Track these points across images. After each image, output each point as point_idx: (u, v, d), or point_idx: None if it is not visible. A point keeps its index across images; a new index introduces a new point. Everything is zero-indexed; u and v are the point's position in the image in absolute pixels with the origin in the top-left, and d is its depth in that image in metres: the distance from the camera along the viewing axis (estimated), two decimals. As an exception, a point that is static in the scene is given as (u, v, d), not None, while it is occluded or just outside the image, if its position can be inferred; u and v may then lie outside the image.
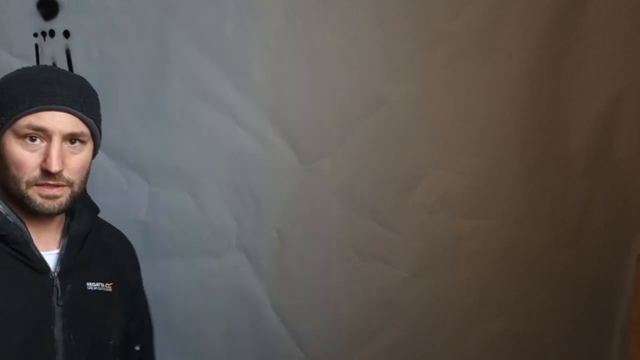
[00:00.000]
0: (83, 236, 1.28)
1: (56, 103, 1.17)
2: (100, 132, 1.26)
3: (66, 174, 1.19)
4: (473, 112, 1.52)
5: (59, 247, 1.26)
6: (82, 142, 1.21)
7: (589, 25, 1.46)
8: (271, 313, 1.60)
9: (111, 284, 1.30)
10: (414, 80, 1.52)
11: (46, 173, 1.17)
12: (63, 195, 1.20)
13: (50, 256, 1.24)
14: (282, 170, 1.56)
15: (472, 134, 1.53)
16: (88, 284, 1.27)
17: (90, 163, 1.25)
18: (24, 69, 1.24)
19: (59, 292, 1.22)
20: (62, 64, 1.54)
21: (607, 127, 1.49)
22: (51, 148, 1.17)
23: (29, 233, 1.22)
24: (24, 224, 1.21)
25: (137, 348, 1.39)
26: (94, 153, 1.27)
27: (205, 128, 1.57)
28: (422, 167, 1.56)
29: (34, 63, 1.54)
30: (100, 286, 1.28)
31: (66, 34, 1.53)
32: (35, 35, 1.53)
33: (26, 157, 1.17)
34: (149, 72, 1.55)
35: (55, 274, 1.22)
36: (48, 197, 1.18)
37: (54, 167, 1.16)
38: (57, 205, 1.19)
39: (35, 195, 1.18)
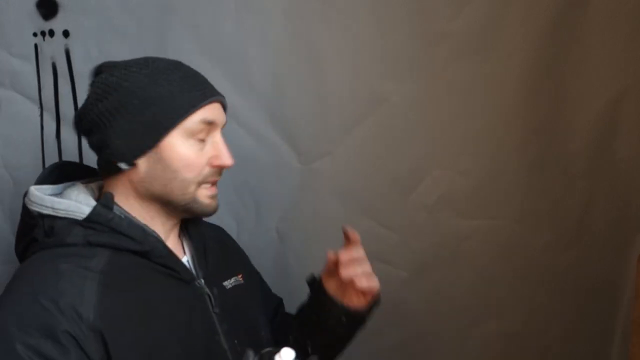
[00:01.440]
0: (202, 236, 1.21)
1: (215, 94, 1.13)
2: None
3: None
4: (473, 112, 1.52)
5: (185, 253, 1.18)
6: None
7: (589, 25, 1.46)
8: (271, 313, 1.60)
9: (240, 274, 1.24)
10: (414, 80, 1.52)
11: (217, 169, 1.11)
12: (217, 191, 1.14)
13: (187, 264, 1.17)
14: (282, 170, 1.56)
15: (472, 134, 1.53)
16: (224, 282, 1.20)
17: None
18: (146, 66, 1.10)
19: (212, 299, 1.14)
20: (62, 64, 1.54)
21: (607, 127, 1.50)
22: (220, 142, 1.11)
23: (165, 243, 1.12)
24: (157, 234, 1.12)
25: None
26: None
27: (205, 128, 1.57)
28: (422, 167, 1.56)
29: (34, 63, 1.54)
30: (235, 281, 1.22)
31: (66, 33, 1.53)
32: (35, 35, 1.53)
33: (197, 155, 1.09)
34: (149, 72, 1.55)
35: (202, 280, 1.15)
36: (214, 197, 1.13)
37: (229, 160, 1.11)
38: (217, 204, 1.14)
39: (203, 197, 1.11)
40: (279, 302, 1.39)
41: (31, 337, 0.96)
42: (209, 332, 1.12)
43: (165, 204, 1.12)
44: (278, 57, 1.53)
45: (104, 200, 1.09)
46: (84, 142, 1.57)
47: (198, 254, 1.18)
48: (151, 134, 1.08)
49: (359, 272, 1.18)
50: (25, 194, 1.14)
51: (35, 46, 1.54)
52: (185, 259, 1.18)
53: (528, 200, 1.54)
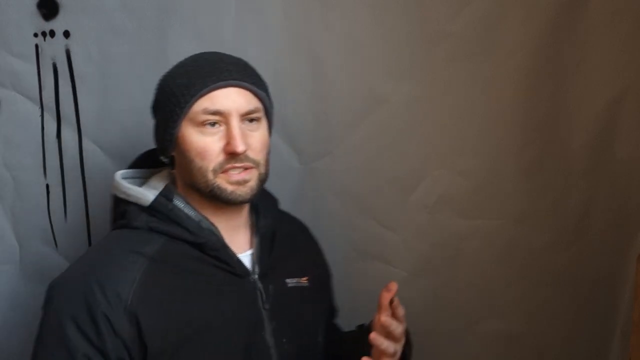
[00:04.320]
0: (272, 231, 1.22)
1: (226, 79, 1.12)
2: (272, 108, 1.21)
3: (250, 154, 1.13)
4: (473, 112, 1.52)
5: (251, 247, 1.20)
6: (258, 119, 1.16)
7: (589, 25, 1.45)
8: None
9: (307, 277, 1.24)
10: (414, 80, 1.52)
11: (231, 156, 1.11)
12: (251, 178, 1.14)
13: (246, 257, 1.19)
14: (282, 170, 1.56)
15: (472, 134, 1.53)
16: (287, 280, 1.21)
17: (269, 142, 1.20)
18: (181, 61, 1.18)
19: (263, 295, 1.16)
20: (62, 64, 1.54)
21: (607, 127, 1.49)
22: (232, 129, 1.11)
23: (221, 236, 1.15)
24: (216, 227, 1.15)
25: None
26: (270, 134, 1.21)
27: (205, 128, 1.57)
28: (422, 167, 1.56)
29: (34, 63, 1.54)
30: (297, 282, 1.22)
31: (66, 34, 1.53)
32: (35, 35, 1.53)
33: (208, 143, 1.11)
34: (149, 72, 1.55)
35: (256, 276, 1.17)
36: (238, 183, 1.13)
37: (240, 147, 1.10)
38: (248, 191, 1.13)
39: (225, 183, 1.12)
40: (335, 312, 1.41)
41: (75, 313, 1.06)
42: (255, 327, 1.15)
43: (201, 193, 1.15)
44: (278, 57, 1.53)
45: (164, 192, 1.16)
46: (84, 142, 1.58)
47: (262, 249, 1.20)
48: (168, 128, 1.15)
49: (387, 347, 1.15)
50: None
51: (36, 46, 1.54)
52: (250, 252, 1.20)
53: (528, 200, 1.54)
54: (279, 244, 1.23)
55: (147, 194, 1.16)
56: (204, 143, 1.12)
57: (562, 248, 1.55)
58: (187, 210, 1.15)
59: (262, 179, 1.17)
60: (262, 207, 1.24)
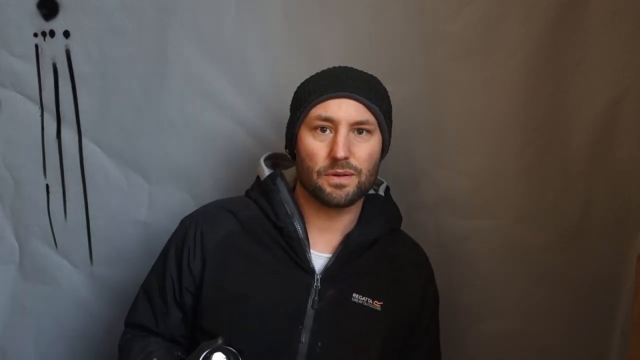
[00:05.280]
0: (362, 247, 1.28)
1: (341, 90, 1.22)
2: (389, 127, 1.30)
3: (353, 162, 1.22)
4: (473, 112, 1.52)
5: (334, 251, 1.27)
6: (369, 131, 1.24)
7: (589, 25, 1.45)
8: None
9: (381, 302, 1.27)
10: (414, 80, 1.52)
11: (334, 161, 1.21)
12: (350, 184, 1.22)
13: (322, 259, 1.27)
14: (282, 170, 1.56)
15: (472, 134, 1.53)
16: (354, 295, 1.26)
17: (379, 158, 1.28)
18: (321, 70, 1.30)
19: (317, 296, 1.23)
20: (62, 64, 1.54)
21: (607, 127, 1.49)
22: (337, 136, 1.21)
23: (305, 231, 1.26)
24: (303, 221, 1.26)
25: None
26: (384, 150, 1.30)
27: (205, 128, 1.57)
28: (422, 167, 1.56)
29: (34, 63, 1.54)
30: (366, 301, 1.26)
31: (66, 34, 1.53)
32: (35, 35, 1.53)
33: (317, 147, 1.22)
34: (149, 72, 1.55)
35: (319, 277, 1.25)
36: (336, 186, 1.22)
37: (340, 152, 1.19)
38: (344, 195, 1.22)
39: (325, 184, 1.22)
40: None
41: (178, 240, 1.31)
42: (295, 320, 1.23)
43: (307, 190, 1.26)
44: (278, 57, 1.53)
45: (272, 174, 1.30)
46: (84, 142, 1.58)
47: (340, 257, 1.26)
48: (291, 128, 1.29)
49: None
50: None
51: (36, 46, 1.54)
52: (329, 255, 1.27)
53: (528, 200, 1.54)
54: (370, 261, 1.28)
55: (266, 173, 1.31)
56: (314, 146, 1.23)
57: (562, 248, 1.55)
58: (283, 196, 1.28)
59: (362, 188, 1.24)
60: (367, 221, 1.29)
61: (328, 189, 1.22)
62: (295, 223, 1.26)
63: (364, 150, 1.23)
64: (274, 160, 1.38)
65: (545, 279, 1.56)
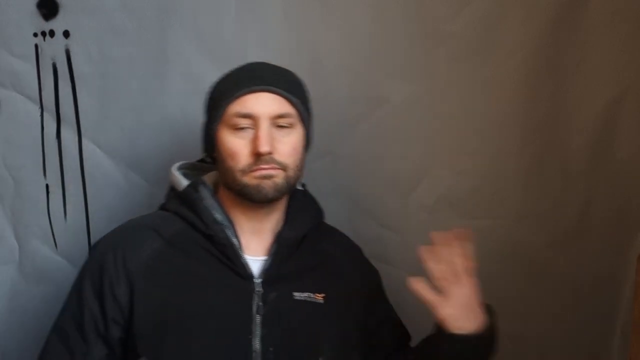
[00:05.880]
0: (294, 244, 1.24)
1: (258, 84, 1.18)
2: (309, 119, 1.25)
3: (277, 157, 1.17)
4: (473, 112, 1.52)
5: (268, 253, 1.22)
6: (291, 124, 1.20)
7: (589, 25, 1.46)
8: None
9: (323, 295, 1.23)
10: (414, 80, 1.52)
11: (257, 157, 1.16)
12: (277, 176, 1.18)
13: (257, 262, 1.21)
14: (282, 170, 1.56)
15: (472, 134, 1.53)
16: (295, 293, 1.22)
17: (303, 151, 1.23)
18: (232, 69, 1.25)
19: (260, 301, 1.18)
20: (62, 64, 1.54)
21: (607, 127, 1.49)
22: (259, 131, 1.16)
23: (236, 236, 1.19)
24: (233, 227, 1.21)
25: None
26: (308, 143, 1.26)
27: (205, 128, 1.57)
28: (422, 167, 1.56)
29: (34, 63, 1.54)
30: (309, 296, 1.22)
31: (66, 34, 1.53)
32: (35, 35, 1.53)
33: (238, 145, 1.18)
34: (149, 72, 1.55)
35: (259, 281, 1.19)
36: (263, 177, 1.17)
37: (263, 147, 1.15)
38: (272, 185, 1.17)
39: (251, 179, 1.17)
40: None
41: (92, 270, 1.21)
42: (243, 329, 1.17)
43: (233, 192, 1.20)
44: (278, 57, 1.53)
45: (193, 182, 1.24)
46: (84, 142, 1.58)
47: (275, 257, 1.22)
48: (208, 130, 1.23)
49: (442, 271, 1.20)
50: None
51: (36, 46, 1.54)
52: (264, 258, 1.22)
53: (528, 200, 1.54)
54: (303, 257, 1.25)
55: (183, 182, 1.25)
56: (235, 144, 1.18)
57: (562, 248, 1.55)
58: (208, 203, 1.21)
59: (290, 182, 1.20)
60: (293, 218, 1.26)
61: (254, 182, 1.17)
62: (225, 229, 1.20)
63: (287, 144, 1.19)
64: (184, 171, 1.30)
65: (545, 279, 1.56)
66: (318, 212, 1.32)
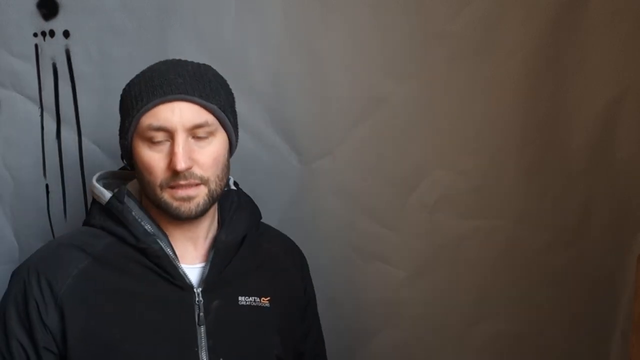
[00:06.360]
0: (233, 247, 1.17)
1: (170, 93, 1.08)
2: (232, 120, 1.17)
3: (198, 171, 1.10)
4: (473, 112, 1.52)
5: (205, 260, 1.16)
6: (210, 133, 1.11)
7: (589, 25, 1.46)
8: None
9: (268, 298, 1.18)
10: (413, 80, 1.52)
11: (175, 173, 1.08)
12: (198, 195, 1.10)
13: (195, 270, 1.15)
14: (282, 170, 1.56)
15: (472, 134, 1.53)
16: (240, 298, 1.17)
17: (226, 157, 1.16)
18: (143, 70, 1.16)
19: (203, 311, 1.12)
20: (62, 64, 1.54)
21: (607, 127, 1.49)
22: (174, 146, 1.08)
23: (171, 246, 1.13)
24: (166, 236, 1.13)
25: None
26: (231, 146, 1.18)
27: (205, 128, 1.57)
28: (422, 167, 1.56)
29: (34, 63, 1.54)
30: (254, 300, 1.17)
31: (66, 34, 1.53)
32: (35, 35, 1.53)
33: (154, 159, 1.10)
34: (149, 72, 1.55)
35: (199, 290, 1.13)
36: (183, 199, 1.10)
37: (180, 164, 1.07)
38: (194, 207, 1.10)
39: (171, 199, 1.10)
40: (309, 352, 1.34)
41: (16, 298, 1.11)
42: (187, 342, 1.11)
43: (154, 204, 1.14)
44: (278, 57, 1.53)
45: (117, 193, 1.15)
46: (84, 142, 1.58)
47: (213, 264, 1.15)
48: (122, 139, 1.16)
49: None
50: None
51: (36, 46, 1.54)
52: (201, 265, 1.16)
53: (528, 200, 1.54)
54: (243, 261, 1.19)
55: (106, 194, 1.16)
56: (150, 158, 1.10)
57: (562, 248, 1.55)
58: (137, 214, 1.14)
59: (214, 195, 1.13)
60: (229, 222, 1.19)
61: (175, 204, 1.10)
62: (158, 240, 1.12)
63: (207, 155, 1.10)
64: (106, 181, 1.23)
65: (545, 279, 1.56)
66: (256, 210, 1.26)
